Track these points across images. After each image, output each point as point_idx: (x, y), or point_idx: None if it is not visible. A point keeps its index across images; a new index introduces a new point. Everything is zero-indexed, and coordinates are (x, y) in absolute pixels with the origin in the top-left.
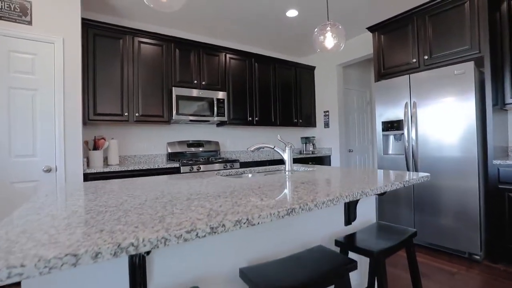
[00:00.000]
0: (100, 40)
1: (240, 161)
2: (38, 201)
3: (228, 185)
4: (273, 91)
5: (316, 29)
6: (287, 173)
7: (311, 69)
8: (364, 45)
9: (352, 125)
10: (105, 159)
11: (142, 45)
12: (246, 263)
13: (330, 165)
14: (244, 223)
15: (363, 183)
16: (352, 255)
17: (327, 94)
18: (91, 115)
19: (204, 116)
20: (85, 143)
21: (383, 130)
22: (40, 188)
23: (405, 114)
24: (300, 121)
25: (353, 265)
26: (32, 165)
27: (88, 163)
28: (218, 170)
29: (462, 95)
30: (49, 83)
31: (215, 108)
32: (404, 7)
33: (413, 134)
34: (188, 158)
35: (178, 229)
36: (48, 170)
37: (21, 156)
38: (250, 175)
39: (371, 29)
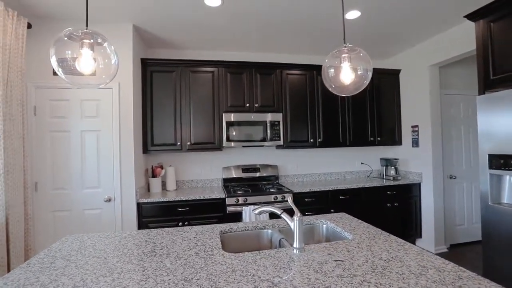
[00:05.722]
0: (156, 75)
1: (294, 191)
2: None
3: (192, 278)
4: (341, 106)
5: (327, 58)
6: (294, 251)
7: (393, 73)
8: (467, 37)
9: (457, 141)
10: (164, 184)
11: (193, 74)
12: None
13: (419, 196)
14: None
15: None
16: None
17: (416, 103)
18: (149, 146)
19: (256, 141)
20: (146, 171)
21: (491, 166)
22: (103, 215)
23: None
24: (379, 139)
25: None
26: (97, 195)
27: (149, 189)
28: (267, 202)
29: None
30: (109, 123)
31: (269, 132)
32: None
33: None
34: (241, 185)
35: None
36: (108, 200)
37: (90, 188)
38: (269, 231)
39: (472, 16)
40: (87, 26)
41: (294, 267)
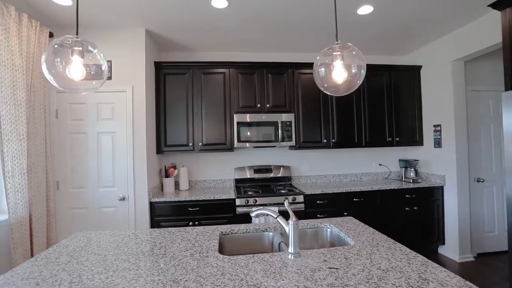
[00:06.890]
0: (169, 78)
1: (306, 193)
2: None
3: (181, 279)
4: (356, 105)
5: (318, 56)
6: (289, 256)
7: (414, 70)
8: (494, 28)
9: (486, 141)
10: (178, 184)
11: (205, 75)
12: None
13: (442, 199)
14: None
15: None
16: None
17: (438, 101)
18: (163, 146)
19: (268, 142)
20: (159, 171)
21: None
22: (118, 213)
23: None
24: (397, 139)
25: None
26: (112, 194)
27: (162, 188)
28: (277, 204)
29: None
30: (123, 125)
31: (280, 132)
32: None
33: None
34: (253, 186)
35: None
36: (122, 199)
37: (105, 187)
38: (271, 234)
39: (497, 5)
40: (77, 34)
41: (285, 273)
